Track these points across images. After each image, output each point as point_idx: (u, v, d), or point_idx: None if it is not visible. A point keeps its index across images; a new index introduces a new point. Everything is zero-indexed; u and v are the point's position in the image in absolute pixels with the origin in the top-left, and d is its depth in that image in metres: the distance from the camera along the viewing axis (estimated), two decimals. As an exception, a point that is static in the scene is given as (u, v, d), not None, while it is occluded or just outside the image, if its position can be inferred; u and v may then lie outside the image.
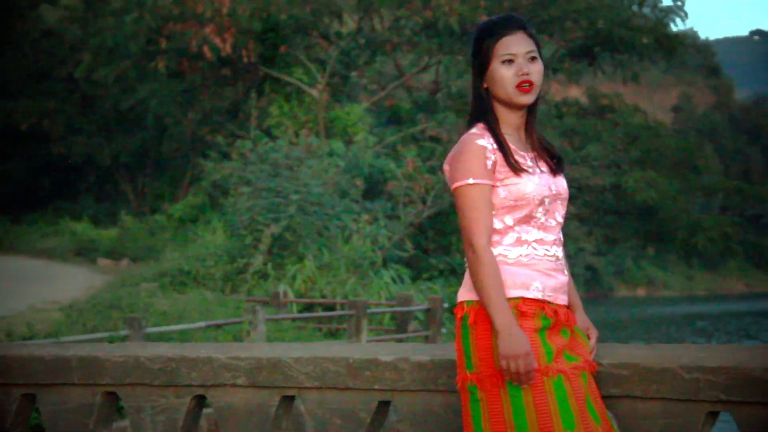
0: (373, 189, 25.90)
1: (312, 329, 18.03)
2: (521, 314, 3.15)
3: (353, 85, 30.37)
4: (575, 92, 39.30)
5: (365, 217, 23.64)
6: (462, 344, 3.21)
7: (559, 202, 3.29)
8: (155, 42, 29.21)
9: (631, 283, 67.28)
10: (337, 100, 28.67)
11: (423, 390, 3.62)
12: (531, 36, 3.28)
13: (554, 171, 3.31)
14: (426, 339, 17.36)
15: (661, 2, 31.95)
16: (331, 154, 25.16)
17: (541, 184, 3.22)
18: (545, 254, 3.23)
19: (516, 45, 3.24)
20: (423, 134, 29.00)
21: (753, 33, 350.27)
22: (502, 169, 3.20)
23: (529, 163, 3.25)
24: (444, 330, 18.26)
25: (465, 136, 3.25)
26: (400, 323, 18.14)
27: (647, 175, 34.07)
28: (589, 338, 3.34)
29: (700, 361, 3.38)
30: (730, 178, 74.45)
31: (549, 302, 3.20)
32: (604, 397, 3.36)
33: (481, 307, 3.16)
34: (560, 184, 3.31)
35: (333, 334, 18.18)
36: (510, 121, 3.29)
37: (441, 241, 26.81)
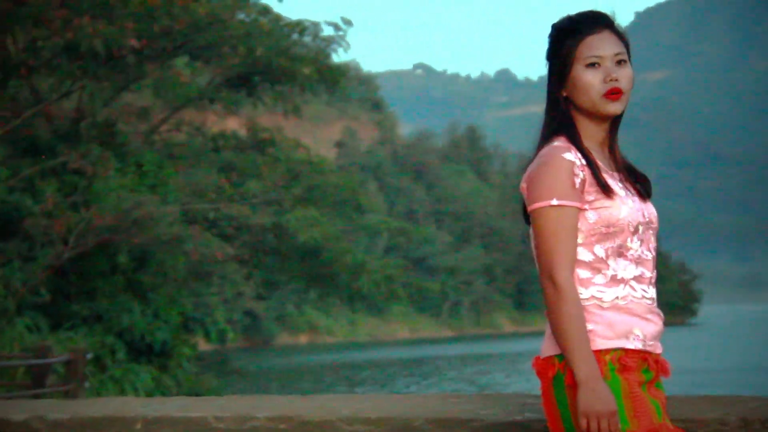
0: (7, 227, 24.95)
1: (-68, 388, 17.08)
2: (624, 368, 2.87)
3: (-17, 112, 29.20)
4: (233, 124, 39.51)
5: (-3, 259, 22.74)
6: (558, 408, 2.89)
7: (650, 231, 3.01)
8: None
9: (293, 329, 68.19)
10: (-36, 127, 27.47)
11: (60, 453, 3.51)
12: (619, 35, 3.04)
13: (642, 195, 3.05)
14: (66, 394, 16.85)
15: (322, 31, 32.75)
16: (-43, 188, 24.06)
17: (635, 209, 2.96)
18: (643, 295, 2.95)
19: (603, 46, 2.99)
20: (65, 167, 28.26)
21: (416, 66, 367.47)
22: (591, 189, 2.93)
23: (619, 184, 3.00)
24: (87, 384, 17.80)
25: (547, 150, 2.96)
26: (37, 377, 17.49)
27: (309, 213, 34.72)
28: None
29: (361, 412, 3.46)
30: (394, 217, 77.29)
31: (650, 352, 2.94)
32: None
33: None
34: (651, 210, 3.04)
35: (-42, 394, 17.29)
36: (593, 135, 3.03)
37: (84, 285, 26.18)
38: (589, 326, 2.87)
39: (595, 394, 2.78)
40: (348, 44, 34.02)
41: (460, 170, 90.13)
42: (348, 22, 33.34)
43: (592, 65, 2.97)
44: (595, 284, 2.91)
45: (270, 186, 34.23)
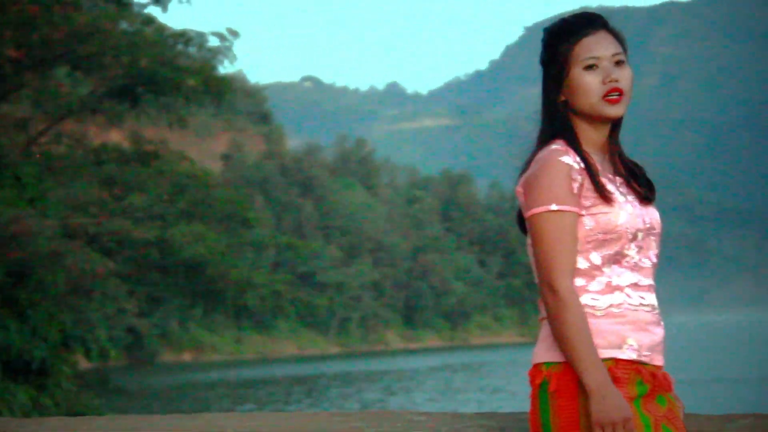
0: None
1: None
2: (614, 380, 2.79)
3: None
4: (116, 136, 39.08)
5: None
6: (540, 416, 2.84)
7: (652, 237, 2.94)
8: None
9: (177, 346, 67.58)
10: None
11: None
12: (616, 36, 2.97)
13: (644, 199, 2.97)
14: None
15: (208, 42, 32.63)
16: None
17: (635, 215, 2.89)
18: (641, 303, 2.88)
19: (600, 47, 2.92)
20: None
21: (305, 79, 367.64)
22: (589, 194, 2.87)
23: (620, 189, 2.93)
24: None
25: (545, 153, 2.90)
26: None
27: (195, 228, 34.46)
28: None
29: (246, 431, 3.45)
30: (282, 232, 77.13)
31: (645, 363, 2.87)
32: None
33: (565, 369, 2.81)
34: (653, 215, 2.97)
35: None
36: (593, 140, 2.96)
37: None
38: None
39: (608, 401, 2.73)
40: (234, 55, 34.02)
41: (349, 184, 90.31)
42: (234, 33, 33.30)
43: (590, 67, 2.92)
44: (589, 291, 2.86)
45: (154, 200, 33.93)
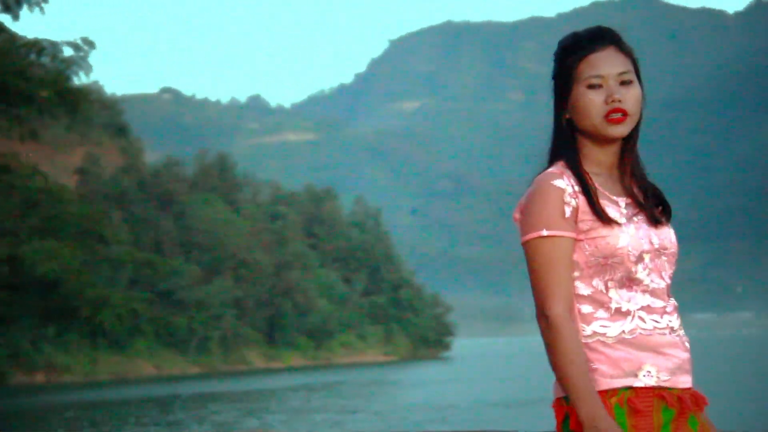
0: None
1: None
2: (634, 412, 2.75)
3: None
4: (-36, 149, 38.23)
5: None
6: None
7: (665, 258, 2.88)
8: None
9: (28, 367, 66.27)
10: None
11: None
12: (626, 53, 2.90)
13: (656, 220, 2.90)
14: None
15: (62, 52, 32.15)
16: None
17: (638, 237, 2.83)
18: (655, 326, 2.82)
19: (605, 64, 2.86)
20: None
21: (163, 90, 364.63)
22: (586, 217, 2.82)
23: (623, 210, 2.87)
24: None
25: (540, 176, 2.87)
26: None
27: (48, 245, 33.89)
28: None
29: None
30: (140, 249, 76.16)
31: (667, 388, 2.80)
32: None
33: None
34: (665, 236, 2.90)
35: None
36: (599, 159, 2.92)
37: None
38: (593, 365, 2.79)
39: None
40: (90, 66, 33.56)
41: (210, 200, 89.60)
42: (89, 43, 32.85)
43: (593, 86, 2.87)
44: (597, 318, 2.83)
45: (4, 215, 33.29)
